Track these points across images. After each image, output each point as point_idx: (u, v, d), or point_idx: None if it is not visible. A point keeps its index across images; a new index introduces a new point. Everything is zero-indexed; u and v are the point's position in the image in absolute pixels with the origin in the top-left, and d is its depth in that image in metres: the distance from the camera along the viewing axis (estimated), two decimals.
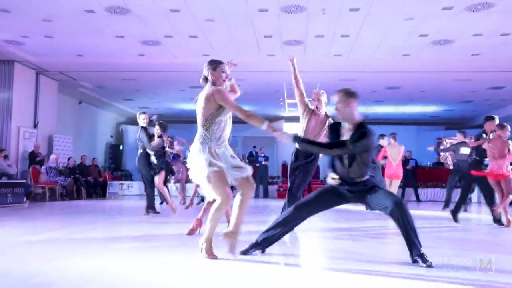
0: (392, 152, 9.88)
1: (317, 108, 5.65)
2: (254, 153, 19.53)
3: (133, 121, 23.00)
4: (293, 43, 10.82)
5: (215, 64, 4.07)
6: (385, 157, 9.89)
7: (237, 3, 8.61)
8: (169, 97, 17.49)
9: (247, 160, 18.61)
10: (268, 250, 4.02)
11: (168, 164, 10.00)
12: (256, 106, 19.57)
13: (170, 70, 13.20)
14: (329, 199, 3.94)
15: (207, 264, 3.54)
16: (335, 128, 4.04)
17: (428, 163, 18.76)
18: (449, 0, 8.41)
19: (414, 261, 3.58)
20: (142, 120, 8.30)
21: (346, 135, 3.92)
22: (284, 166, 19.89)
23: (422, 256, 3.55)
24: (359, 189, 3.88)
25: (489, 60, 11.59)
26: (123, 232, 5.66)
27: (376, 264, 3.62)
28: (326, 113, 5.79)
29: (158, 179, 8.37)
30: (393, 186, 9.70)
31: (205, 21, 9.47)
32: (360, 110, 16.24)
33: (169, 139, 10.25)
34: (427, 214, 9.23)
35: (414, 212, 9.55)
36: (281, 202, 13.15)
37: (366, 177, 3.90)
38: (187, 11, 8.99)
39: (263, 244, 3.98)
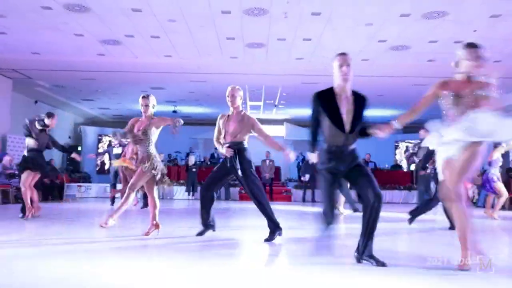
0: None
1: (231, 103, 5.42)
2: (216, 155, 19.49)
3: (93, 122, 22.55)
4: (255, 46, 10.87)
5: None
6: None
7: (200, 4, 8.59)
8: (130, 98, 17.21)
9: (208, 162, 18.56)
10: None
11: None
12: (218, 108, 19.51)
13: (131, 70, 13.00)
14: (333, 186, 3.82)
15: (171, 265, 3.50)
16: (327, 98, 3.90)
17: (386, 166, 19.25)
18: (407, 7, 8.67)
19: (359, 260, 3.66)
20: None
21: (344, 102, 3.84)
22: None
23: (373, 257, 3.62)
24: (350, 161, 3.75)
25: (444, 65, 12.02)
26: (80, 234, 5.52)
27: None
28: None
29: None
30: None
31: (167, 21, 9.38)
32: None
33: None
34: (389, 216, 9.43)
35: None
36: (244, 205, 13.28)
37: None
38: (149, 11, 8.89)
39: None
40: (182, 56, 11.71)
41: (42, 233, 5.62)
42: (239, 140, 5.44)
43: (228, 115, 5.49)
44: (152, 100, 5.56)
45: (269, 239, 5.14)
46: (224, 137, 5.45)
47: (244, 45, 10.80)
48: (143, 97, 5.57)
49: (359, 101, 3.86)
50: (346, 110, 3.80)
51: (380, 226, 3.66)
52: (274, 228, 5.25)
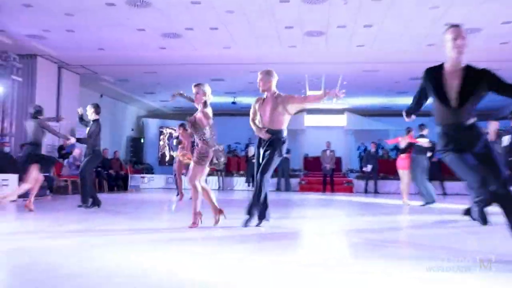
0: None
1: (261, 87, 5.48)
2: None
3: (155, 114, 23.23)
4: (315, 34, 10.72)
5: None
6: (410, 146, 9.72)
7: None
8: (190, 90, 17.48)
9: None
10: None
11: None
12: None
13: (190, 62, 13.24)
14: (468, 163, 3.44)
15: (234, 256, 3.53)
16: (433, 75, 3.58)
17: None
18: None
19: None
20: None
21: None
22: (306, 160, 19.85)
23: None
24: (472, 139, 3.42)
25: None
26: (146, 224, 5.70)
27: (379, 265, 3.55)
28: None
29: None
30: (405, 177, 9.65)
31: (226, 12, 9.43)
32: (383, 102, 16.27)
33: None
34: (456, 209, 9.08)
35: (450, 206, 9.41)
36: (303, 196, 13.25)
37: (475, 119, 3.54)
38: (208, 3, 8.97)
39: None
40: (241, 47, 11.76)
41: (111, 223, 5.85)
42: (277, 128, 5.36)
43: (263, 99, 5.53)
44: (204, 88, 5.41)
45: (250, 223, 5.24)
46: (261, 122, 5.45)
47: (303, 33, 10.68)
48: (194, 85, 5.47)
49: (473, 74, 3.51)
50: (455, 85, 3.50)
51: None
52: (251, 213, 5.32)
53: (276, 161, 5.33)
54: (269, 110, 5.39)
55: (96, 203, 7.84)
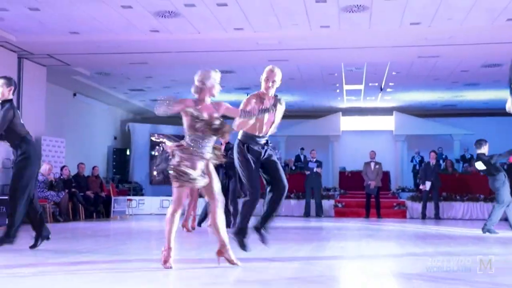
0: None
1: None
2: (302, 157, 19.43)
3: (144, 118, 23.30)
4: (355, 9, 10.64)
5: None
6: None
7: None
8: (190, 85, 17.50)
9: (293, 167, 18.53)
10: None
11: None
12: (304, 95, 19.45)
13: (192, 49, 13.23)
14: None
15: None
16: None
17: None
18: None
19: None
20: None
21: None
22: (343, 175, 19.73)
23: None
24: None
25: None
26: (134, 265, 5.65)
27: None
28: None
29: None
30: None
31: None
32: (445, 97, 16.19)
33: None
34: None
35: None
36: (340, 223, 13.10)
37: None
38: None
39: None
40: (257, 28, 11.71)
41: (85, 263, 5.82)
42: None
43: (262, 98, 5.89)
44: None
45: None
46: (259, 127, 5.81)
47: (340, 9, 10.61)
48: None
49: None
50: None
51: None
52: None
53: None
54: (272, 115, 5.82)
55: (42, 235, 6.90)
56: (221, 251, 5.24)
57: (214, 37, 12.25)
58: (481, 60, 14.28)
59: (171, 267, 5.03)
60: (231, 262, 5.22)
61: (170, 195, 16.05)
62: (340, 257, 6.49)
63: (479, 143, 10.14)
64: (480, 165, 10.00)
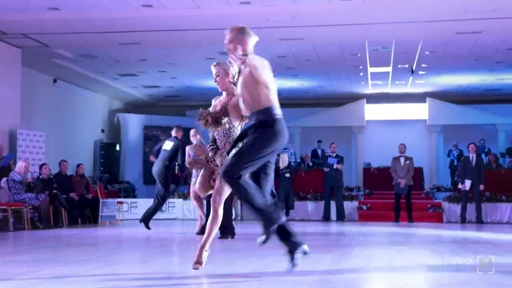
0: None
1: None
2: (319, 151, 19.39)
3: (136, 107, 23.33)
4: None
5: None
6: None
7: None
8: (190, 69, 17.57)
9: (310, 163, 18.51)
10: None
11: None
12: (322, 79, 19.42)
13: (190, 27, 13.25)
14: None
15: None
16: None
17: None
18: None
19: None
20: None
21: None
22: (368, 172, 19.70)
23: None
24: None
25: None
26: (129, 278, 5.67)
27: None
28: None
29: None
30: None
31: None
32: (487, 81, 16.24)
33: None
34: None
35: None
36: (365, 228, 13.07)
37: None
38: None
39: None
40: (267, 2, 11.70)
41: (70, 275, 5.85)
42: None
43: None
44: (226, 67, 5.77)
45: None
46: None
47: None
48: (214, 65, 5.82)
49: None
50: None
51: None
52: None
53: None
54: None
55: None
56: None
57: (217, 13, 12.25)
58: None
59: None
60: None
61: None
62: (366, 268, 6.48)
63: None
64: None
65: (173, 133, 11.60)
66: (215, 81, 5.79)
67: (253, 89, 5.16)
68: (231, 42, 5.41)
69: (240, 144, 5.16)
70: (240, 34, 5.45)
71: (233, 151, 5.11)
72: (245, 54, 5.05)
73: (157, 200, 11.62)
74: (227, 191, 5.45)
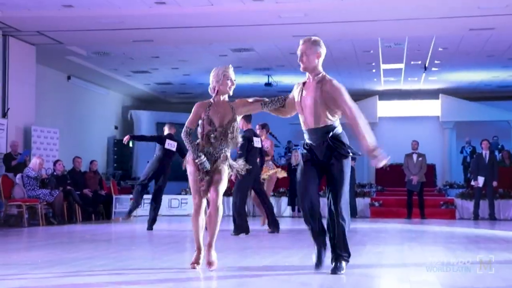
0: None
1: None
2: None
3: (149, 104, 23.38)
4: None
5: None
6: None
7: None
8: (203, 66, 17.58)
9: None
10: None
11: None
12: (334, 76, 19.26)
13: (204, 24, 13.24)
14: None
15: None
16: None
17: None
18: None
19: None
20: None
21: None
22: (380, 169, 19.57)
23: None
24: None
25: None
26: (142, 273, 5.69)
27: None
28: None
29: None
30: None
31: None
32: (501, 77, 16.16)
33: None
34: None
35: None
36: (377, 224, 13.04)
37: None
38: None
39: None
40: None
41: (85, 271, 5.87)
42: (325, 124, 5.46)
43: (304, 84, 5.62)
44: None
45: None
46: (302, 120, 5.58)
47: None
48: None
49: None
50: None
51: None
52: None
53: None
54: (310, 101, 5.42)
55: None
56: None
57: (229, 10, 12.24)
58: None
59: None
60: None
61: (180, 194, 16.24)
62: (378, 265, 6.47)
63: None
64: None
65: (167, 130, 11.46)
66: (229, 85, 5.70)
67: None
68: (303, 53, 5.52)
69: None
70: (315, 46, 5.58)
71: None
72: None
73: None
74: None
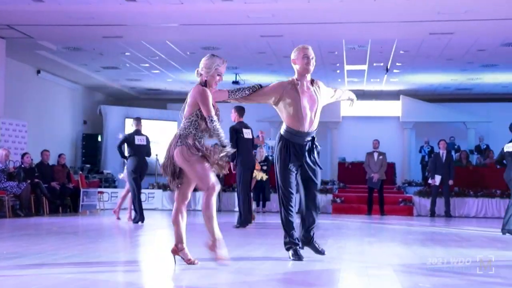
0: None
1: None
2: None
3: (118, 100, 23.22)
4: None
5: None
6: None
7: None
8: (172, 63, 17.49)
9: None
10: None
11: None
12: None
13: (173, 22, 13.18)
14: None
15: None
16: None
17: None
18: None
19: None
20: None
21: None
22: (342, 167, 19.79)
23: None
24: None
25: None
26: (109, 265, 5.65)
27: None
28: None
29: None
30: None
31: None
32: (459, 80, 16.35)
33: None
34: None
35: None
36: (339, 220, 13.12)
37: None
38: None
39: None
40: None
41: (50, 263, 5.81)
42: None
43: (296, 86, 5.81)
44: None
45: None
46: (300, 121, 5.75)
47: None
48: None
49: None
50: None
51: None
52: None
53: None
54: (315, 105, 5.83)
55: None
56: (213, 246, 5.27)
57: (199, 9, 12.17)
58: (500, 38, 14.32)
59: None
60: (220, 259, 5.24)
61: (147, 188, 16.11)
62: (338, 259, 6.50)
63: None
64: (509, 147, 10.05)
65: (135, 126, 11.54)
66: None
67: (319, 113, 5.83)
68: (313, 57, 5.83)
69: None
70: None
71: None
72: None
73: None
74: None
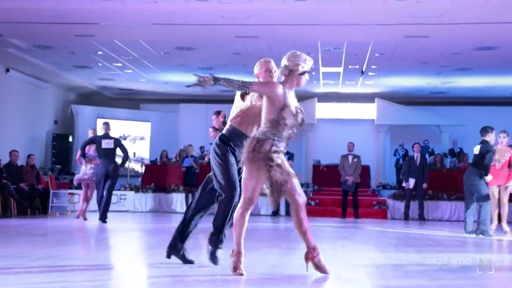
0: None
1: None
2: None
3: (90, 99, 23.05)
4: None
5: None
6: None
7: None
8: (145, 63, 17.39)
9: None
10: None
11: None
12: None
13: (147, 21, 13.13)
14: None
15: None
16: None
17: None
18: None
19: None
20: None
21: None
22: (317, 169, 19.84)
23: None
24: None
25: None
26: (79, 270, 5.60)
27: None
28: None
29: None
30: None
31: None
32: (433, 83, 16.47)
33: None
34: None
35: None
36: (313, 223, 13.09)
37: None
38: None
39: None
40: None
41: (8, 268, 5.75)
42: None
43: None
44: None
45: None
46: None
47: None
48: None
49: None
50: None
51: None
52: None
53: None
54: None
55: None
56: (311, 256, 5.40)
57: (173, 8, 12.13)
58: (475, 42, 14.45)
59: (242, 274, 5.10)
60: (321, 269, 5.32)
61: (119, 189, 16.02)
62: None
63: (485, 130, 10.58)
64: (477, 149, 10.34)
65: (103, 130, 11.83)
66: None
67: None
68: None
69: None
70: None
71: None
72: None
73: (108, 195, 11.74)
74: None
